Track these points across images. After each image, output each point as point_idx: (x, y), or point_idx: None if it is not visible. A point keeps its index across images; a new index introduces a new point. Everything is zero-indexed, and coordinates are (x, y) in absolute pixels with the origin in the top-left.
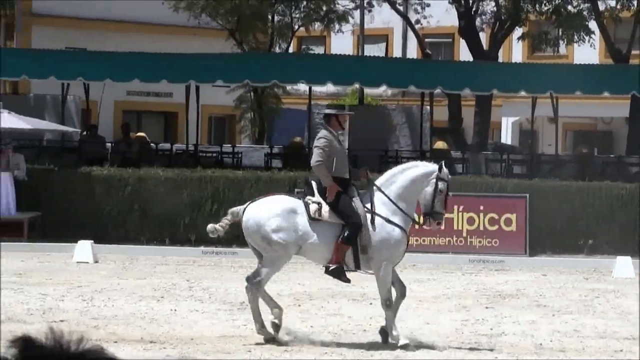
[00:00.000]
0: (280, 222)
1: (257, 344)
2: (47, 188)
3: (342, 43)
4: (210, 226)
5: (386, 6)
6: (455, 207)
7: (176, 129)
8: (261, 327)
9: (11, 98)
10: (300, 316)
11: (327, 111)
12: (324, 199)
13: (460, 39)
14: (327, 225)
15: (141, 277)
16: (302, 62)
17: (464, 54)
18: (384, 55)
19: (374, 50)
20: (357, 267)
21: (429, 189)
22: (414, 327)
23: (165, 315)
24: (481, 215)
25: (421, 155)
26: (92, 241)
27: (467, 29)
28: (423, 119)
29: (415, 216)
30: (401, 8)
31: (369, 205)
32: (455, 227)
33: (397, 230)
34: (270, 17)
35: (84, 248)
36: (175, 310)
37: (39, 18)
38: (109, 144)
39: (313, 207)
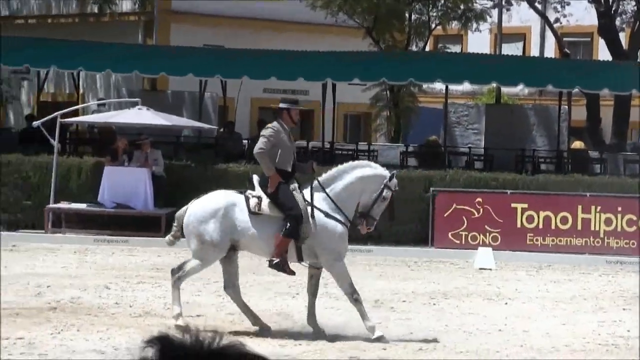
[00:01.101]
0: (216, 219)
1: (393, 341)
2: (184, 184)
3: (479, 42)
4: (166, 238)
5: (524, 5)
6: (593, 207)
7: (312, 126)
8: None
9: (150, 94)
10: (435, 315)
11: (280, 105)
12: (265, 192)
13: (600, 38)
14: (267, 219)
15: (276, 274)
16: (439, 61)
17: (603, 53)
18: (521, 54)
19: (511, 49)
20: (300, 258)
21: (375, 194)
22: (550, 327)
23: (300, 311)
24: (619, 216)
25: (558, 156)
26: None
27: (607, 29)
28: (560, 119)
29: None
30: (540, 7)
31: (309, 199)
32: (592, 228)
33: (338, 225)
34: (407, 15)
35: None
36: None
37: (177, 15)
38: (246, 141)
39: (253, 201)
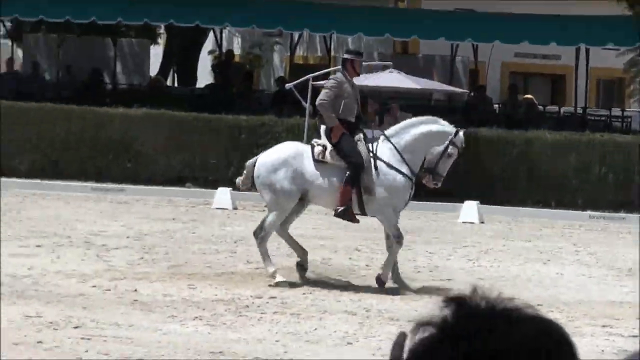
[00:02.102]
0: (285, 168)
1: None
2: None
3: None
4: (237, 180)
5: None
6: None
7: (564, 92)
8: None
9: (401, 58)
10: None
11: (345, 56)
12: (330, 142)
13: None
14: (330, 168)
15: (527, 240)
16: None
17: None
18: None
19: None
20: (362, 210)
21: (440, 149)
22: None
23: (551, 278)
24: None
25: None
26: (478, 202)
27: None
28: None
29: None
30: None
31: (373, 150)
32: None
33: (400, 177)
34: None
35: (470, 208)
36: (561, 274)
37: None
38: (496, 105)
39: (317, 150)
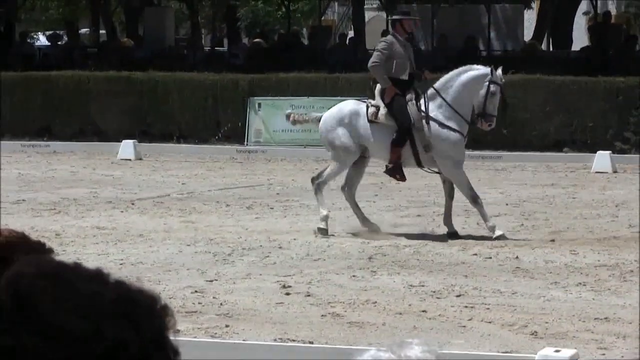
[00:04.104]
0: (343, 126)
1: None
2: None
3: None
4: (288, 113)
5: None
6: None
7: None
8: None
9: None
10: None
11: (394, 17)
12: (384, 102)
13: None
14: (383, 127)
15: None
16: None
17: None
18: None
19: None
20: (419, 164)
21: (482, 91)
22: None
23: None
24: None
25: None
26: None
27: None
28: None
29: None
30: None
31: (424, 109)
32: None
33: (452, 133)
34: None
35: None
36: None
37: None
38: None
39: (371, 110)
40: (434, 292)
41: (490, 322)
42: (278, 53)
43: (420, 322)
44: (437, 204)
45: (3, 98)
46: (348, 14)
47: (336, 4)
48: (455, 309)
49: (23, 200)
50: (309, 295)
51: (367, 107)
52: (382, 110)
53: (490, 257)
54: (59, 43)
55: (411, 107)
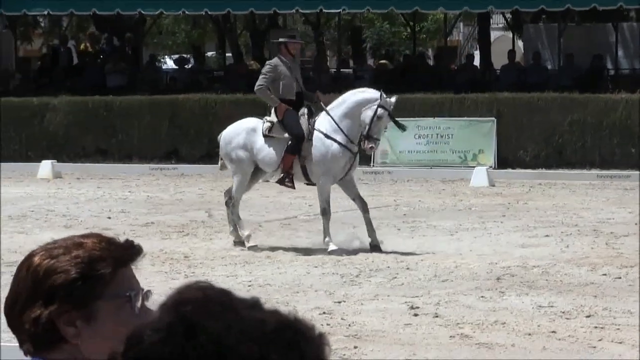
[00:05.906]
0: (239, 141)
1: None
2: None
3: None
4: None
5: None
6: None
7: None
8: (234, 230)
9: None
10: None
11: (280, 39)
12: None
13: None
14: (277, 141)
15: None
16: None
17: None
18: None
19: None
20: (306, 178)
21: (369, 113)
22: None
23: None
24: None
25: None
26: None
27: None
28: None
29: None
30: None
31: (312, 124)
32: None
33: (335, 145)
34: None
35: None
36: None
37: None
38: None
39: (266, 125)
40: (564, 312)
41: (620, 343)
42: (404, 74)
43: (549, 343)
44: (565, 224)
45: (132, 122)
46: (474, 34)
47: (461, 24)
48: (585, 330)
49: (152, 222)
50: (437, 316)
51: (263, 123)
52: (277, 125)
53: (620, 277)
54: (186, 67)
55: (302, 120)
